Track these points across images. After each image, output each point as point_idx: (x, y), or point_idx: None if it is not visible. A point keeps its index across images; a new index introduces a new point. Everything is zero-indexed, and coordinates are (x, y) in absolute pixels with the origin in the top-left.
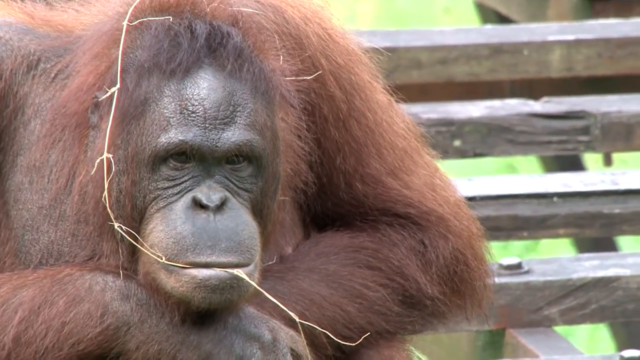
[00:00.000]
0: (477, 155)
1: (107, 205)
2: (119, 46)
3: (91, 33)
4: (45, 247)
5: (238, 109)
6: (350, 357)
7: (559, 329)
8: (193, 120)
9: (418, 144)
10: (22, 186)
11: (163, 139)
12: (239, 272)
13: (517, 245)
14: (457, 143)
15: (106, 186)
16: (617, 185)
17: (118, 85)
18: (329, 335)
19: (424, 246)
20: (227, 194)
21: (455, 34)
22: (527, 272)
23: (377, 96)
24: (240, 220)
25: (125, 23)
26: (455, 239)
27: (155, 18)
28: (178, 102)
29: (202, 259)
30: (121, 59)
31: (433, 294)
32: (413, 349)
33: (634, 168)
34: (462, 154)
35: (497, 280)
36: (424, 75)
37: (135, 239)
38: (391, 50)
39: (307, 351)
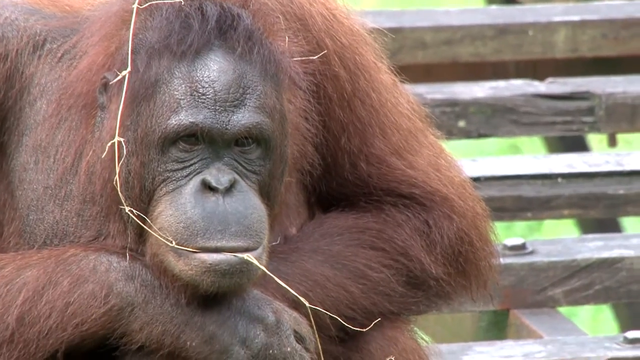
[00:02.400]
0: (481, 135)
1: (118, 189)
2: (128, 27)
3: (99, 14)
4: (50, 227)
5: (248, 92)
6: (354, 338)
7: (563, 309)
8: (203, 103)
9: (423, 124)
10: (27, 166)
11: (173, 121)
12: (249, 257)
13: (520, 225)
14: (461, 123)
15: (117, 170)
16: (621, 166)
17: (129, 68)
18: (333, 316)
19: (429, 226)
20: (236, 176)
21: (460, 15)
22: (532, 252)
23: (382, 76)
24: (249, 203)
25: (135, 5)
26: (460, 219)
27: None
28: (188, 84)
29: (212, 243)
30: (132, 41)
31: (437, 275)
32: (417, 329)
33: (639, 149)
34: (466, 134)
35: (501, 260)
36: (428, 56)
37: (145, 222)
38: (396, 30)
39: (311, 333)
